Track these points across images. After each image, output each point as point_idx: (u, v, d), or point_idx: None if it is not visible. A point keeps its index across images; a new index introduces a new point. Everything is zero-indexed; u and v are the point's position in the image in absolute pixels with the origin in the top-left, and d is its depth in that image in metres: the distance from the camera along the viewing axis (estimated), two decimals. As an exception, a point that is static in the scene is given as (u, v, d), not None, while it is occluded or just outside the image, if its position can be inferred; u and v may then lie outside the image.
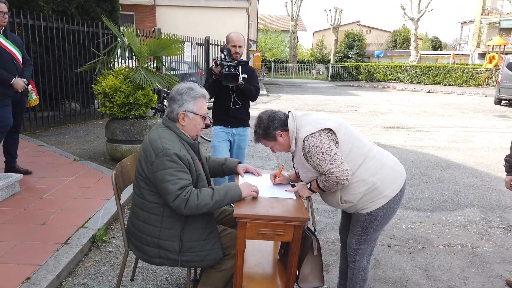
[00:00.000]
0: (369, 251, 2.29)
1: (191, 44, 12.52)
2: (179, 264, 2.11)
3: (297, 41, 36.56)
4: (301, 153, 2.11)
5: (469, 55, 37.62)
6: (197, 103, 2.14)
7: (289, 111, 2.25)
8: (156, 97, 5.61)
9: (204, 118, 2.20)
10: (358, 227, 2.21)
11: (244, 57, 4.08)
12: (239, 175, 2.52)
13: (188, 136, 2.18)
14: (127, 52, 5.45)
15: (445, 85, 24.30)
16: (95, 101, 8.85)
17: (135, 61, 5.71)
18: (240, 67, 3.68)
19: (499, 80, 15.39)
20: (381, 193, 2.11)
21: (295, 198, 2.22)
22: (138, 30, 7.15)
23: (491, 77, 23.39)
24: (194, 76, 12.96)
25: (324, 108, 13.11)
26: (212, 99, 3.85)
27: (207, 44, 14.16)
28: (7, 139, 4.40)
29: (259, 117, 2.23)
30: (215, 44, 14.95)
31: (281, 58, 37.67)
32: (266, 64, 31.84)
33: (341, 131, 2.10)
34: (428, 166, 6.13)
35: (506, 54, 28.36)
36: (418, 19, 29.66)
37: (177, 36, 6.60)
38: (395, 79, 25.93)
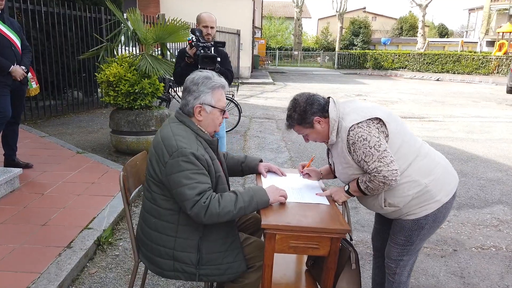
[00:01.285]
0: (412, 262, 2.02)
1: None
2: (196, 278, 1.85)
3: (302, 28, 35.88)
4: (344, 145, 1.81)
5: (477, 42, 36.86)
6: (215, 94, 1.86)
7: (329, 97, 1.95)
8: (162, 86, 5.32)
9: (223, 112, 1.92)
10: (401, 235, 1.93)
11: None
12: (261, 176, 2.24)
13: (206, 132, 1.90)
14: (131, 38, 5.14)
15: (454, 73, 23.81)
16: (99, 90, 8.58)
17: (139, 48, 5.42)
18: (212, 49, 3.48)
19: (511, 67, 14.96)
20: (432, 197, 1.82)
21: (328, 203, 1.94)
22: (142, 16, 6.84)
23: (502, 65, 22.88)
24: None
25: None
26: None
27: (212, 30, 13.79)
28: (6, 130, 4.14)
29: (294, 100, 1.92)
30: (221, 31, 14.57)
31: (286, 46, 37.09)
32: (270, 52, 31.33)
33: (391, 122, 1.80)
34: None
35: (515, 41, 27.79)
36: (426, 6, 28.97)
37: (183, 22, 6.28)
38: (402, 67, 25.43)
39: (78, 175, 4.23)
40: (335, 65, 27.15)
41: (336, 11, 32.94)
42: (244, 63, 17.65)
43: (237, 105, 6.96)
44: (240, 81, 16.12)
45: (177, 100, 7.32)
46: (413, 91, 15.66)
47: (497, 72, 22.96)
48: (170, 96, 7.45)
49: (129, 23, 5.09)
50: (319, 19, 54.49)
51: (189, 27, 5.65)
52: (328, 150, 2.05)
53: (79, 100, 8.40)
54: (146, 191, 1.87)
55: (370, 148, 1.72)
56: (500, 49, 25.00)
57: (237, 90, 8.41)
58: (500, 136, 7.59)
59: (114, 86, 4.87)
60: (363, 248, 3.17)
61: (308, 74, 23.24)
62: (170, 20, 5.23)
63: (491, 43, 33.35)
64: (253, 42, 19.39)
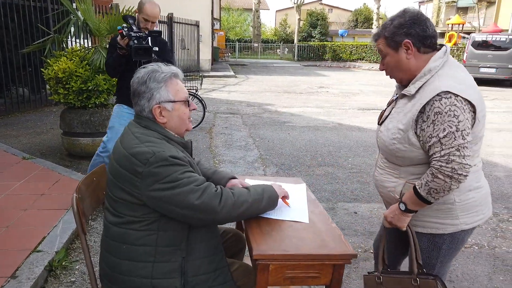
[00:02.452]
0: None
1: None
2: None
3: (260, 20, 35.61)
4: (418, 107, 1.46)
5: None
6: (170, 86, 1.53)
7: (443, 45, 1.56)
8: (119, 82, 4.85)
9: (187, 102, 1.59)
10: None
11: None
12: None
13: (176, 135, 1.58)
14: (82, 29, 4.63)
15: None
16: (47, 86, 7.88)
17: (91, 40, 4.91)
18: (149, 38, 3.15)
19: (464, 58, 15.53)
20: (453, 217, 1.58)
21: (307, 221, 1.64)
22: (94, 6, 6.26)
23: (453, 55, 23.82)
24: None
25: (295, 90, 12.63)
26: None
27: (170, 22, 13.19)
28: None
29: (403, 11, 1.53)
30: (179, 22, 13.98)
31: (245, 38, 36.68)
32: (230, 44, 30.85)
33: (481, 111, 1.47)
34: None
35: (464, 32, 29.11)
36: (380, -2, 29.65)
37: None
38: (360, 59, 25.90)
39: (24, 185, 3.73)
40: (295, 57, 27.18)
41: (294, 3, 32.94)
42: (204, 56, 17.13)
43: (201, 100, 6.58)
44: (200, 74, 15.63)
45: None
46: (373, 82, 15.90)
47: (449, 63, 23.93)
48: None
49: (79, 13, 4.58)
50: (277, 11, 54.55)
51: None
52: (388, 104, 1.70)
53: (25, 98, 7.65)
54: (111, 216, 1.52)
55: (457, 131, 1.36)
56: (450, 40, 25.97)
57: (201, 84, 7.99)
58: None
59: (64, 83, 4.36)
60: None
61: (269, 66, 23.06)
62: (125, 10, 4.77)
63: (441, 35, 34.67)
64: (212, 33, 18.88)
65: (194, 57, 15.93)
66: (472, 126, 1.44)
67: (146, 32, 3.13)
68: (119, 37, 3.05)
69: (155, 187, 1.39)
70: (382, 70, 1.63)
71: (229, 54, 26.46)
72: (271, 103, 9.95)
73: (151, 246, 1.47)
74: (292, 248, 1.45)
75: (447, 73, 1.47)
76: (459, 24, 28.71)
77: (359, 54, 25.98)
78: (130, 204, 1.45)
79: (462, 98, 1.40)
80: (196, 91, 6.56)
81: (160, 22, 12.31)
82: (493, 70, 14.70)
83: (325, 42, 28.75)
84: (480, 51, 15.04)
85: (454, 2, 36.95)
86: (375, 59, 25.49)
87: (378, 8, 29.91)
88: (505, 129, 7.54)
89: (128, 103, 3.36)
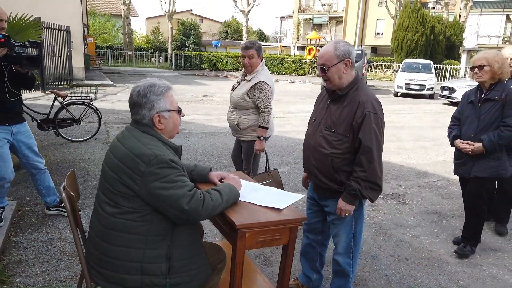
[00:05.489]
0: None
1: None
2: None
3: (131, 27, 34.47)
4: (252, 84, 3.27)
5: (290, 47, 42.52)
6: (167, 98, 1.87)
7: None
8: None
9: (180, 111, 1.94)
10: None
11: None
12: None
13: (169, 140, 1.90)
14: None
15: (278, 74, 26.90)
16: None
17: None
18: (35, 50, 3.30)
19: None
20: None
21: (283, 207, 2.00)
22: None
23: (313, 67, 27.00)
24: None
25: (182, 98, 12.89)
26: None
27: (38, 26, 12.08)
28: None
29: None
30: (48, 28, 12.91)
31: (115, 45, 35.03)
32: (100, 51, 29.17)
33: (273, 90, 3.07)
34: (299, 150, 6.73)
35: (321, 47, 33.19)
36: (248, 12, 31.75)
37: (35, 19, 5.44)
38: (235, 68, 27.31)
39: None
40: (173, 66, 27.19)
41: (166, 12, 32.86)
42: (77, 64, 16.01)
43: (96, 110, 6.41)
44: (74, 83, 14.61)
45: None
46: (250, 90, 17.06)
47: (311, 73, 27.02)
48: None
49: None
50: (147, 18, 53.29)
51: (39, 24, 5.02)
52: None
53: None
54: (109, 207, 1.75)
55: (267, 98, 2.59)
56: (309, 53, 29.39)
57: (96, 93, 7.69)
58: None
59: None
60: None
61: (146, 75, 22.58)
62: (16, 18, 4.50)
63: (302, 48, 38.83)
64: (85, 40, 17.75)
65: (66, 65, 14.82)
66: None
67: (26, 42, 3.11)
68: None
69: (154, 185, 1.68)
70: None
71: (101, 62, 25.04)
72: (160, 112, 10.01)
73: (143, 235, 1.76)
74: (262, 218, 1.90)
75: (266, 73, 3.39)
76: (316, 39, 32.61)
77: (234, 64, 27.40)
78: (129, 197, 1.71)
79: (269, 84, 3.44)
80: (90, 101, 6.37)
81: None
82: (347, 80, 17.30)
83: (202, 52, 29.48)
84: (336, 63, 17.54)
85: (311, 19, 41.76)
86: (248, 69, 27.19)
87: (247, 22, 31.98)
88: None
89: None
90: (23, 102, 3.49)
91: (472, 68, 3.21)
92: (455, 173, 3.45)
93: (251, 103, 3.54)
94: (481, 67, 3.11)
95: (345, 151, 2.19)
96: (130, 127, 1.85)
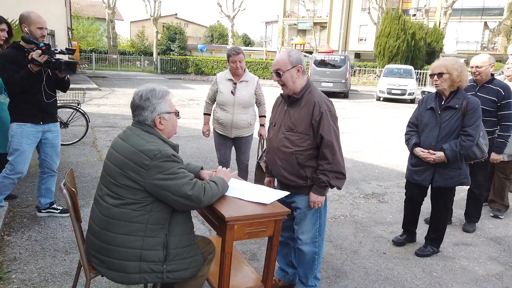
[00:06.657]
0: None
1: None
2: (163, 275, 1.97)
3: (116, 31, 34.31)
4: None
5: (276, 51, 42.92)
6: (167, 101, 2.07)
7: None
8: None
9: (178, 113, 2.14)
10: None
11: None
12: None
13: (168, 139, 2.08)
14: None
15: (264, 78, 27.15)
16: None
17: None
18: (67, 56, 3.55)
19: (309, 74, 18.22)
20: None
21: (268, 203, 2.18)
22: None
23: (298, 72, 27.35)
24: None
25: (167, 102, 12.97)
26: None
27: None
28: None
29: None
30: (32, 31, 12.84)
31: (99, 49, 34.79)
32: (84, 55, 28.95)
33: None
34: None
35: (306, 52, 33.64)
36: (234, 17, 31.99)
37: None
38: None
39: None
40: (158, 70, 27.18)
41: (151, 16, 32.83)
42: (61, 67, 15.92)
43: (84, 114, 6.49)
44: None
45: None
46: (236, 95, 17.23)
47: (296, 78, 27.35)
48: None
49: None
50: (131, 22, 53.04)
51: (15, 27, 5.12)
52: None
53: None
54: (112, 199, 1.92)
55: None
56: (295, 58, 29.83)
57: (84, 97, 7.74)
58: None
59: None
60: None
61: (132, 79, 22.59)
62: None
63: (287, 53, 39.23)
64: (69, 43, 17.66)
65: (51, 68, 14.74)
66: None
67: (64, 49, 3.29)
68: (33, 54, 3.07)
69: (158, 177, 1.87)
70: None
71: (86, 66, 24.85)
72: (147, 115, 10.09)
73: (143, 224, 1.92)
74: (249, 211, 2.07)
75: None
76: (301, 44, 33.08)
77: (220, 68, 27.53)
78: (132, 189, 1.88)
79: None
80: (78, 105, 6.44)
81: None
82: (331, 85, 17.65)
83: (187, 56, 29.54)
84: (320, 68, 17.91)
85: (295, 25, 42.27)
86: (234, 73, 27.36)
87: (232, 26, 32.21)
88: (346, 132, 9.43)
89: (31, 120, 3.34)
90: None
91: (431, 76, 3.19)
92: (410, 178, 3.42)
93: (255, 99, 4.12)
94: (440, 74, 3.11)
95: (307, 148, 2.41)
96: (133, 127, 2.04)
